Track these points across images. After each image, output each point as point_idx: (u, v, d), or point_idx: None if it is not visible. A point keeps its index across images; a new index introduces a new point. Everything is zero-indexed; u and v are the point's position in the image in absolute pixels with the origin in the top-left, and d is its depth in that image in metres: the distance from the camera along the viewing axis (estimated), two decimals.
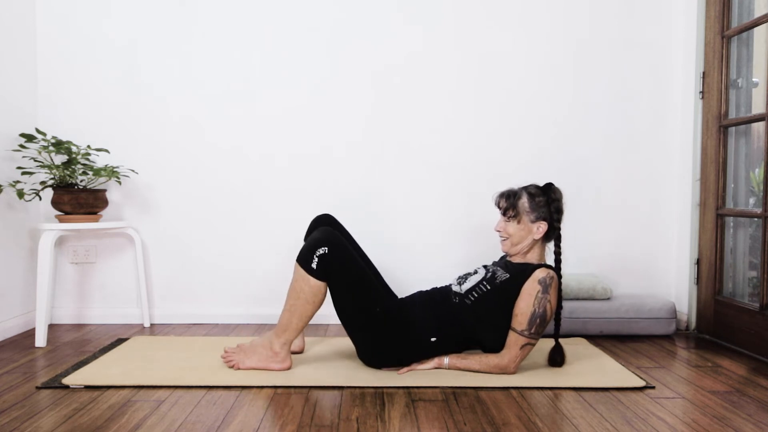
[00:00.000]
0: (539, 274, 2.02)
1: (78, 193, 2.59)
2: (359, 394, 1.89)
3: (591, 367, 2.16)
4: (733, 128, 2.64)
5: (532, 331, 1.99)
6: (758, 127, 2.58)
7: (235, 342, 2.47)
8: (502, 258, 2.30)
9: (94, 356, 2.26)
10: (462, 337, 2.08)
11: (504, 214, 2.14)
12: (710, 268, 2.68)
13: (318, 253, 1.97)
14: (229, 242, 2.90)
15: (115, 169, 2.70)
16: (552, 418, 1.70)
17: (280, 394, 1.88)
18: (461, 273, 2.21)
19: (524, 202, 2.12)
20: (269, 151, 2.89)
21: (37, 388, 1.92)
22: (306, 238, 2.27)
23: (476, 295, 2.05)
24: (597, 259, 2.93)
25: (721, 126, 2.62)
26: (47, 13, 2.84)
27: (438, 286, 2.24)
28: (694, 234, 2.77)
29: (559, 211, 2.13)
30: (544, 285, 2.01)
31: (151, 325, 2.86)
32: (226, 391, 1.90)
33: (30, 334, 2.63)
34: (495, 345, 2.07)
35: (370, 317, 2.04)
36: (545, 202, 2.12)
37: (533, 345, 2.03)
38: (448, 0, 2.87)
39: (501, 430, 1.61)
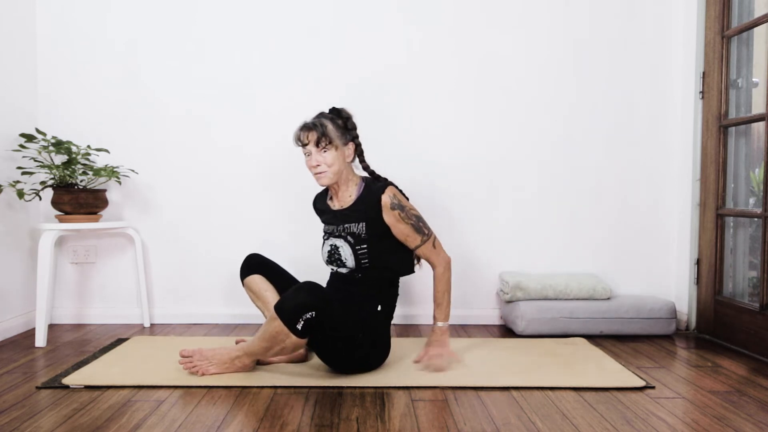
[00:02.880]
0: (386, 200, 2.09)
1: (78, 193, 2.59)
2: (359, 394, 1.89)
3: (591, 367, 2.16)
4: (733, 128, 2.64)
5: (426, 232, 2.14)
6: (758, 127, 2.58)
7: (233, 342, 2.46)
8: (325, 208, 2.23)
9: (94, 356, 2.26)
10: (388, 284, 2.17)
11: (318, 145, 2.09)
12: (710, 268, 2.68)
13: (305, 317, 1.88)
14: (230, 241, 2.90)
15: (115, 169, 2.70)
16: (552, 418, 1.70)
17: (280, 394, 1.88)
18: (326, 258, 2.21)
19: (332, 128, 2.10)
20: (269, 150, 2.89)
21: (37, 388, 1.92)
22: (242, 276, 2.27)
23: (366, 259, 2.11)
24: (597, 260, 2.93)
25: (721, 126, 2.62)
26: (47, 14, 2.84)
27: (326, 281, 2.27)
28: (694, 234, 2.77)
29: (355, 127, 2.19)
30: (398, 205, 2.10)
31: (151, 325, 2.86)
32: (226, 391, 1.90)
33: (30, 334, 2.63)
34: (406, 264, 2.19)
35: (353, 347, 2.03)
36: (344, 125, 2.15)
37: (434, 235, 2.18)
38: (448, 1, 2.87)
39: (501, 430, 1.61)
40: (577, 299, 2.70)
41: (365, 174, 2.25)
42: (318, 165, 2.10)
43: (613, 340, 2.60)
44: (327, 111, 2.20)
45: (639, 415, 1.73)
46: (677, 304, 2.86)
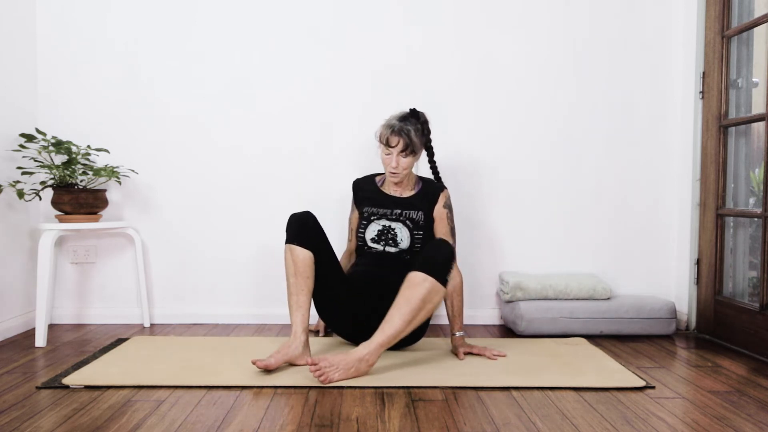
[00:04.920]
0: (443, 197, 2.42)
1: (78, 193, 2.59)
2: (359, 394, 1.89)
3: (591, 367, 2.16)
4: (733, 128, 2.64)
5: (455, 241, 2.45)
6: (758, 127, 2.58)
7: (234, 342, 2.47)
8: (375, 192, 2.45)
9: (94, 356, 2.26)
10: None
11: (404, 151, 2.28)
12: (710, 268, 2.68)
13: (451, 266, 2.12)
14: (230, 242, 2.90)
15: (115, 169, 2.70)
16: (552, 418, 1.70)
17: (280, 394, 1.88)
18: (374, 236, 2.39)
19: (415, 136, 2.28)
20: (269, 150, 2.89)
21: (37, 388, 1.92)
22: (292, 238, 2.17)
23: (419, 243, 2.36)
24: (597, 260, 2.93)
25: (721, 126, 2.62)
26: (47, 14, 2.84)
27: (371, 263, 2.37)
28: (694, 234, 2.77)
29: (430, 132, 2.41)
30: (449, 206, 2.43)
31: (151, 325, 2.86)
32: (226, 391, 1.90)
33: (30, 334, 2.63)
34: None
35: None
36: (422, 130, 2.34)
37: None
38: (448, 1, 2.87)
39: (501, 430, 1.61)
40: (577, 299, 2.70)
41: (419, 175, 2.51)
42: (396, 166, 2.30)
43: (613, 340, 2.60)
44: (408, 113, 2.36)
45: (639, 415, 1.73)
46: (677, 304, 2.86)
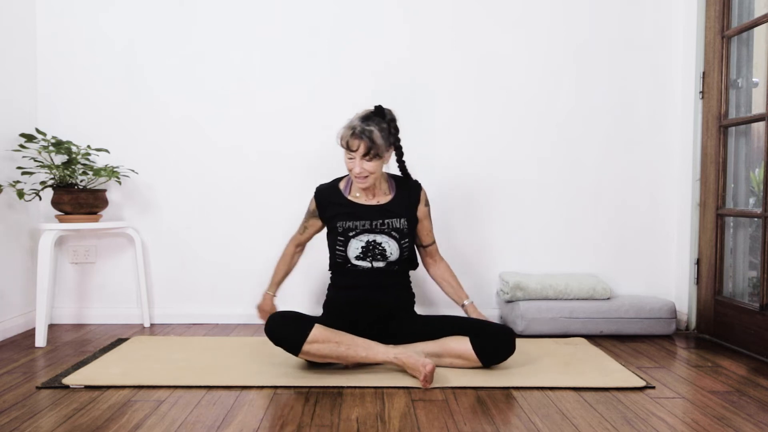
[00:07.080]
0: (424, 196, 2.29)
1: (78, 193, 2.59)
2: (359, 394, 1.89)
3: (591, 367, 2.16)
4: (733, 128, 2.64)
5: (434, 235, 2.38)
6: (758, 127, 2.58)
7: (234, 342, 2.47)
8: (344, 202, 2.21)
9: (94, 356, 2.26)
10: (408, 275, 2.32)
11: (366, 155, 2.07)
12: (710, 268, 2.68)
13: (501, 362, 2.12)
14: (230, 242, 2.90)
15: (115, 169, 2.70)
16: (552, 418, 1.70)
17: (280, 394, 1.88)
18: (358, 254, 2.16)
19: (379, 137, 2.06)
20: (269, 150, 2.89)
21: (37, 388, 1.92)
22: (290, 329, 2.00)
23: (407, 251, 2.21)
24: (597, 259, 2.93)
25: (721, 126, 2.62)
26: (47, 13, 2.84)
27: (363, 284, 2.19)
28: (694, 234, 2.77)
29: (398, 130, 2.18)
30: (428, 203, 2.32)
31: (151, 325, 2.86)
32: (226, 391, 1.90)
33: (30, 334, 2.63)
34: (414, 256, 2.32)
35: None
36: (388, 129, 2.12)
37: None
38: (448, 0, 2.87)
39: (501, 430, 1.61)
40: (577, 299, 2.70)
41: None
42: (361, 172, 2.10)
43: (613, 340, 2.60)
44: (373, 111, 2.14)
45: (639, 415, 1.73)
46: (677, 304, 2.86)
